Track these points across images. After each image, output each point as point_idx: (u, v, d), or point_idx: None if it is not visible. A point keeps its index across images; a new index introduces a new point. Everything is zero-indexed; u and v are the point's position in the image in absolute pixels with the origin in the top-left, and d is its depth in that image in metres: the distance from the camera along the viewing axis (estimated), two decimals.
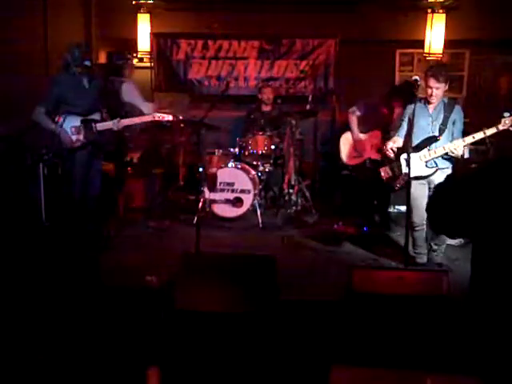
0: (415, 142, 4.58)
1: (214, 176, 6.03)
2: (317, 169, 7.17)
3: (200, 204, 5.96)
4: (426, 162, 4.63)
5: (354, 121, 6.21)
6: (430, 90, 4.62)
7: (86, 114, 5.01)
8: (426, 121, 4.68)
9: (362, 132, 6.17)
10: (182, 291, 3.29)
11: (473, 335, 2.79)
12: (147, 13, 7.53)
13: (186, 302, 3.22)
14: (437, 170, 4.62)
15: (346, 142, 6.26)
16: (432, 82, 4.58)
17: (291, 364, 3.12)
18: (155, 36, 7.62)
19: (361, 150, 6.17)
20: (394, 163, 4.79)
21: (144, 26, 7.54)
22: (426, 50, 7.44)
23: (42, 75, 6.30)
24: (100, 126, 5.06)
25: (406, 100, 5.69)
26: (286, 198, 6.53)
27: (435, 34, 7.31)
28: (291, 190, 6.53)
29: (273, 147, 6.36)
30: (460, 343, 3.01)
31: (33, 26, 6.19)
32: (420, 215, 4.64)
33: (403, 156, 4.64)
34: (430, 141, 4.62)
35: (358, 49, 7.33)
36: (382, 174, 4.90)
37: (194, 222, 5.56)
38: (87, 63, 5.04)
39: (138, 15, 7.52)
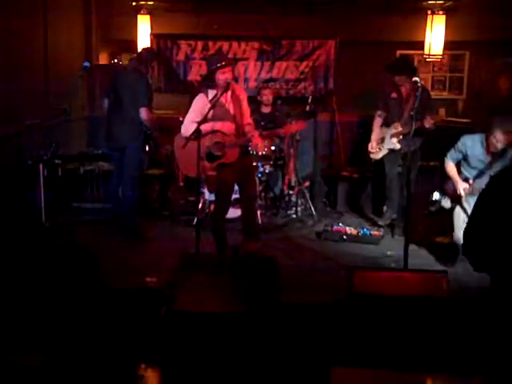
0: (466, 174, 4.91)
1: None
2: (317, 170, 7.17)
3: (200, 205, 5.96)
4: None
5: (377, 121, 6.07)
6: (497, 144, 4.67)
7: None
8: (480, 162, 4.80)
9: (385, 125, 6.04)
10: (182, 292, 3.30)
11: (475, 336, 2.79)
12: (147, 14, 7.53)
13: (186, 303, 3.23)
14: None
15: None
16: (499, 136, 4.63)
17: (291, 365, 3.11)
18: (155, 37, 7.61)
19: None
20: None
21: (144, 27, 7.54)
22: (426, 51, 7.44)
23: (42, 76, 6.31)
24: None
25: (406, 74, 5.69)
26: (286, 199, 6.54)
27: (435, 36, 7.31)
28: (291, 191, 6.54)
29: (273, 148, 6.36)
30: (460, 344, 3.01)
31: (33, 28, 6.19)
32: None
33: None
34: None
35: (357, 50, 7.33)
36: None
37: (194, 223, 5.56)
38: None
39: (139, 16, 7.52)
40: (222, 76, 4.52)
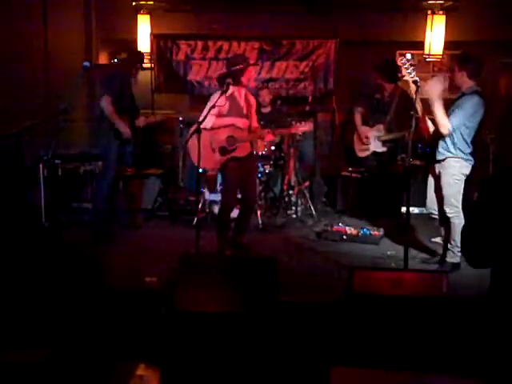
0: None
1: (214, 177, 6.06)
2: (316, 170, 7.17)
3: (200, 205, 5.97)
4: None
5: (358, 118, 6.28)
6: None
7: None
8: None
9: (367, 125, 6.20)
10: (182, 292, 3.29)
11: (475, 336, 2.79)
12: (147, 14, 7.53)
13: (186, 303, 3.22)
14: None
15: (357, 136, 6.36)
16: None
17: (291, 364, 3.11)
18: (155, 37, 7.61)
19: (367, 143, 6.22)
20: None
21: (144, 27, 7.54)
22: (426, 52, 7.44)
23: (42, 76, 6.31)
24: None
25: (389, 78, 5.88)
26: (286, 199, 6.54)
27: (435, 36, 7.31)
28: (291, 191, 6.54)
29: (273, 148, 6.37)
30: (460, 344, 3.01)
31: (33, 28, 6.20)
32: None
33: None
34: None
35: (357, 50, 7.33)
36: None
37: (194, 222, 5.56)
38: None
39: (138, 16, 7.52)
40: (249, 74, 4.88)
